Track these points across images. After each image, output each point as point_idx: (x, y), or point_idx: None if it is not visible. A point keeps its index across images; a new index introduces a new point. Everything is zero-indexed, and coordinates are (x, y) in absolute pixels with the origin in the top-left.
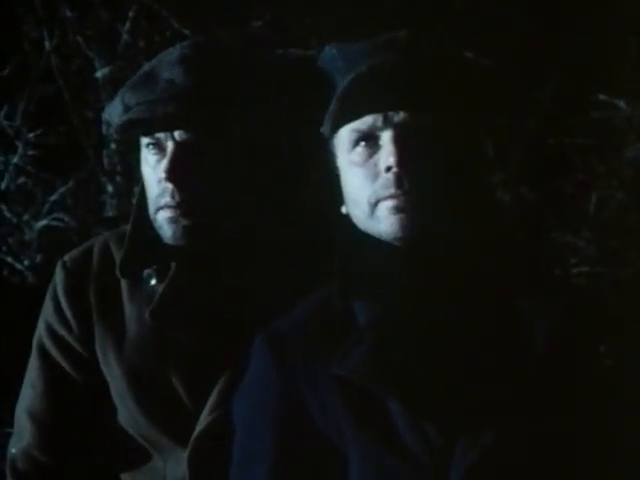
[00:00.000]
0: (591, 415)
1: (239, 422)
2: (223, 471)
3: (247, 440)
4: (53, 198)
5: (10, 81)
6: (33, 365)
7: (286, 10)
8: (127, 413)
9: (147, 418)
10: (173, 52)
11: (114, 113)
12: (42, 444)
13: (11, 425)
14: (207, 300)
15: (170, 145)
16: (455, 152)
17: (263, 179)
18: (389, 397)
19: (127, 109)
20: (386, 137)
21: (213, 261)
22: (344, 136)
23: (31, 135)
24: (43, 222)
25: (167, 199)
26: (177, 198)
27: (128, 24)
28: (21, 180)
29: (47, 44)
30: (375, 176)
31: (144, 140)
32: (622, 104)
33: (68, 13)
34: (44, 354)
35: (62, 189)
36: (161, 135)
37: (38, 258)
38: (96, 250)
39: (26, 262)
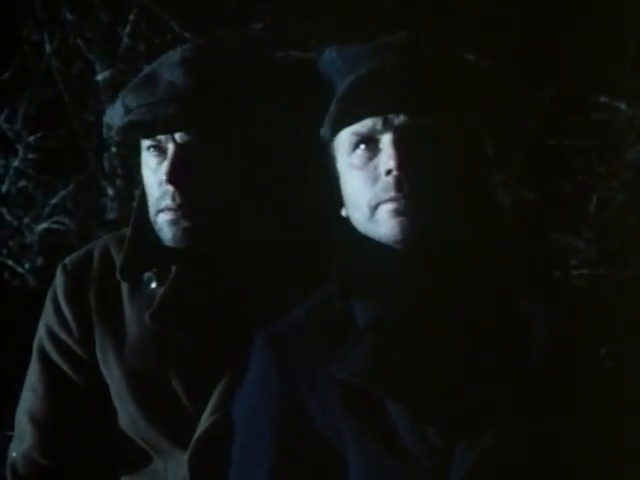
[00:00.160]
0: (591, 416)
1: (239, 423)
2: (224, 473)
3: (247, 440)
4: (54, 201)
5: (10, 84)
6: (33, 368)
7: (286, 12)
8: (127, 416)
9: (147, 420)
10: (174, 55)
11: (115, 115)
12: (43, 447)
13: (12, 428)
14: (207, 302)
15: (171, 147)
16: (455, 154)
17: (263, 179)
18: (389, 398)
19: (128, 111)
20: (386, 140)
21: (213, 263)
22: (344, 139)
23: (32, 138)
24: (44, 225)
25: (168, 201)
26: (178, 200)
27: (129, 27)
28: (22, 183)
29: (47, 47)
30: (375, 179)
31: (145, 143)
32: (623, 106)
33: (68, 16)
34: (44, 357)
35: (63, 192)
36: (162, 138)
37: (39, 261)
38: (96, 253)
39: (27, 265)
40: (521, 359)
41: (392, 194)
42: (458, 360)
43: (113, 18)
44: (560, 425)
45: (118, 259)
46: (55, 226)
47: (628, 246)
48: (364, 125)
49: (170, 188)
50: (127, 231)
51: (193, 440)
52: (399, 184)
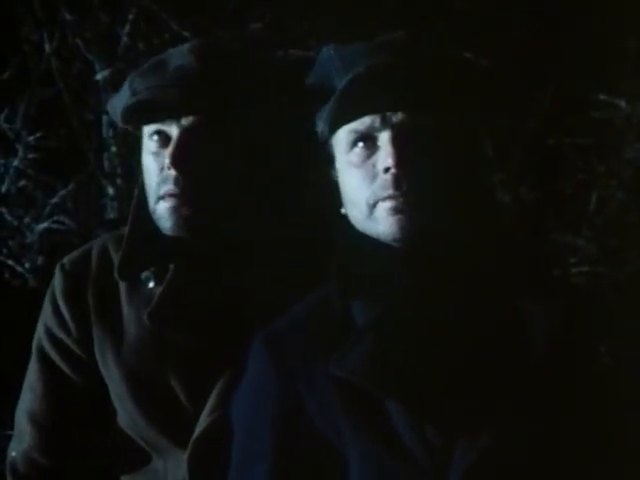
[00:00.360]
0: (591, 415)
1: (238, 423)
2: (223, 472)
3: (246, 441)
4: (54, 201)
5: (10, 84)
6: (32, 368)
7: (285, 11)
8: (126, 415)
9: (146, 420)
10: (183, 46)
11: (120, 101)
12: (42, 447)
13: (12, 428)
14: (206, 301)
15: (175, 132)
16: (454, 152)
17: (263, 179)
18: (388, 398)
19: (135, 93)
20: (384, 138)
21: (212, 262)
22: (342, 137)
23: (31, 138)
24: (44, 225)
25: (170, 186)
26: (181, 184)
27: (128, 26)
28: (22, 183)
29: (47, 47)
30: (373, 177)
31: (148, 129)
32: (622, 104)
33: (68, 16)
34: (43, 357)
35: (63, 192)
36: (166, 125)
37: (39, 261)
38: (94, 253)
39: (27, 265)
40: (521, 359)
41: (390, 192)
42: (458, 360)
43: (112, 18)
44: (560, 425)
45: (116, 258)
46: (55, 226)
47: (628, 244)
48: (362, 123)
49: (173, 173)
50: (125, 230)
51: (192, 440)
52: (397, 182)
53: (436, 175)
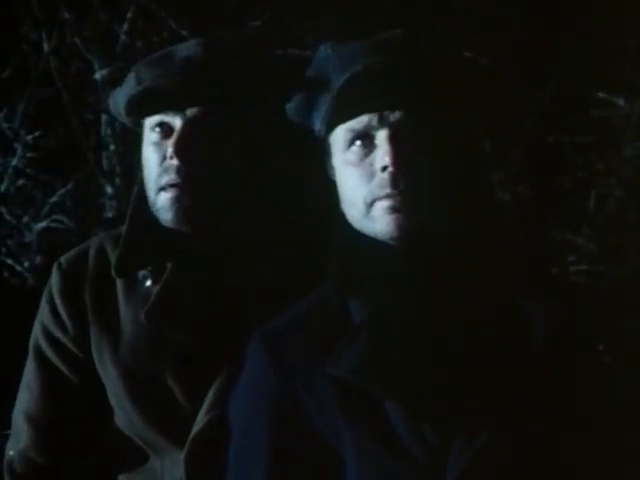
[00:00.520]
0: (589, 414)
1: (235, 422)
2: (220, 472)
3: (243, 440)
4: (52, 200)
5: (9, 83)
6: (30, 367)
7: (285, 10)
8: (124, 414)
9: (143, 419)
10: (191, 40)
11: (122, 94)
12: (39, 446)
13: (9, 427)
14: (203, 301)
15: (179, 123)
16: (452, 151)
17: (263, 178)
18: (385, 397)
19: (141, 82)
20: (381, 136)
21: (210, 261)
22: (339, 136)
23: (30, 137)
24: (42, 224)
25: (172, 176)
26: (183, 174)
27: (126, 25)
28: (20, 182)
29: (46, 46)
30: (371, 176)
31: (150, 122)
32: (621, 102)
33: (66, 15)
34: (40, 356)
35: (61, 191)
36: (169, 117)
37: (38, 260)
38: (92, 251)
39: (26, 264)
40: (519, 358)
41: (388, 190)
42: (456, 359)
43: (111, 16)
44: (558, 424)
45: (113, 257)
46: (54, 225)
47: (627, 242)
48: (359, 122)
49: (175, 162)
50: (123, 228)
51: (189, 439)
52: (395, 180)
53: (434, 174)
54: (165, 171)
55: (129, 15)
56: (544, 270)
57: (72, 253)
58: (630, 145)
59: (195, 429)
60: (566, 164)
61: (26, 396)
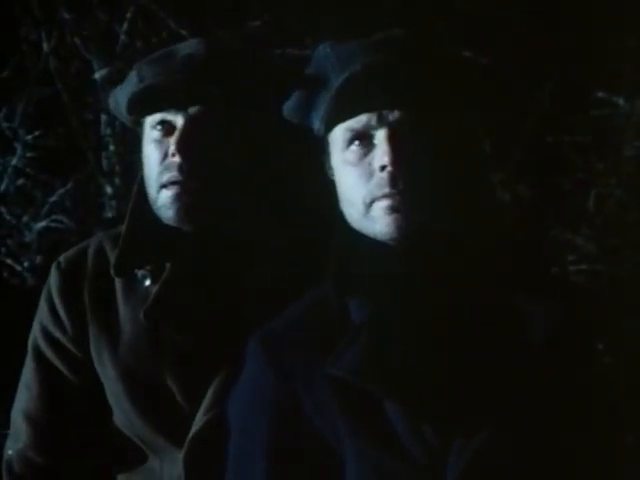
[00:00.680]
0: (589, 415)
1: (234, 422)
2: (219, 472)
3: (243, 440)
4: (52, 200)
5: (8, 83)
6: (28, 367)
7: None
8: (122, 414)
9: (142, 419)
10: (193, 39)
11: (123, 92)
12: (38, 445)
13: (8, 427)
14: (202, 301)
15: (181, 121)
16: (451, 151)
17: (263, 179)
18: (384, 397)
19: (143, 80)
20: (380, 136)
21: (209, 261)
22: (338, 135)
23: (30, 137)
24: (42, 224)
25: (173, 173)
26: (184, 171)
27: (126, 25)
28: (20, 182)
29: (45, 46)
30: (369, 175)
31: (151, 120)
32: (621, 101)
33: (66, 15)
34: (39, 355)
35: (61, 191)
36: (171, 115)
37: (37, 260)
38: (91, 251)
39: (26, 264)
40: (519, 358)
41: (386, 190)
42: (455, 359)
43: (110, 16)
44: (558, 424)
45: (112, 256)
46: (54, 224)
47: (627, 242)
48: (358, 121)
49: (176, 160)
50: (123, 228)
51: (188, 439)
52: (393, 180)
53: (433, 174)
54: (167, 168)
55: (129, 15)
56: (544, 270)
57: (71, 252)
58: (630, 145)
59: (194, 429)
60: (566, 164)
61: (25, 396)
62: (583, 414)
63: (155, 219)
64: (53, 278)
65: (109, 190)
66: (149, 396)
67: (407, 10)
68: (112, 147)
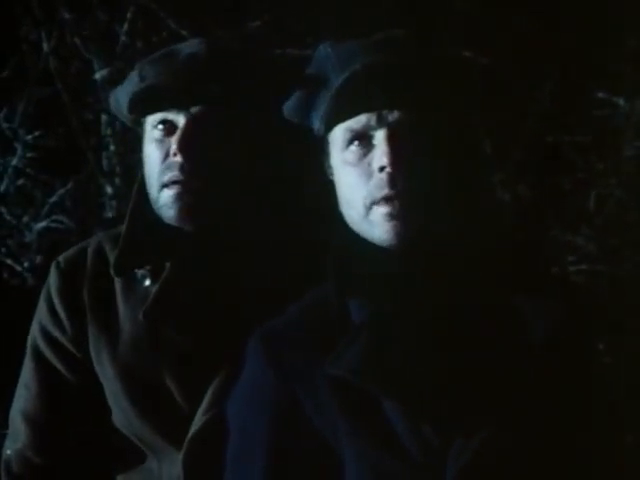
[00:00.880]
0: (589, 415)
1: (234, 421)
2: (218, 472)
3: (242, 440)
4: (52, 200)
5: (8, 83)
6: (27, 366)
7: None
8: (121, 414)
9: (141, 419)
10: (195, 39)
11: (124, 92)
12: (37, 445)
13: (6, 427)
14: (202, 300)
15: (183, 121)
16: (451, 151)
17: (263, 179)
18: (384, 396)
19: (144, 79)
20: (380, 137)
21: (209, 261)
22: (338, 135)
23: (30, 137)
24: (42, 224)
25: (174, 172)
26: (186, 171)
27: (126, 25)
28: (20, 182)
29: (45, 46)
30: (369, 176)
31: (152, 119)
32: (621, 102)
33: (66, 15)
34: (38, 355)
35: (61, 191)
36: (172, 114)
37: (38, 260)
38: (90, 250)
39: (26, 264)
40: (519, 358)
41: (386, 191)
42: (455, 359)
43: (110, 16)
44: (558, 425)
45: (112, 256)
46: (54, 225)
47: (627, 242)
48: (358, 121)
49: (178, 159)
50: (122, 227)
51: (187, 439)
52: (392, 181)
53: (432, 174)
54: (168, 168)
55: (129, 15)
56: (544, 270)
57: (70, 252)
58: (630, 145)
59: (193, 429)
60: (566, 164)
61: (24, 395)
62: (583, 414)
63: (155, 219)
64: (52, 278)
65: (109, 190)
66: (148, 396)
67: (407, 10)
68: (112, 147)
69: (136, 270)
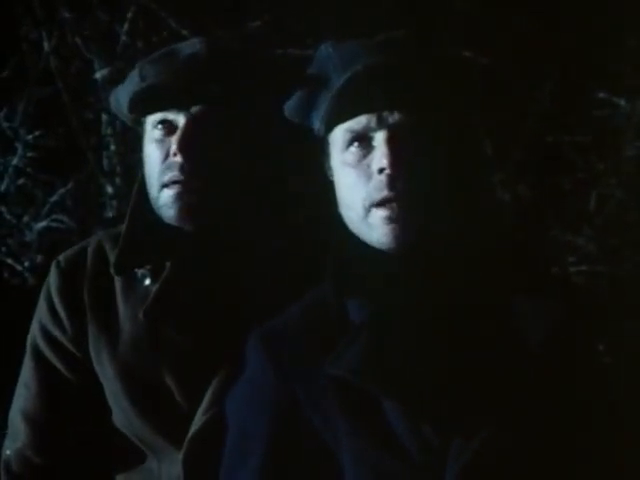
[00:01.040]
0: (589, 415)
1: (232, 419)
2: (217, 472)
3: (240, 438)
4: (53, 199)
5: (9, 83)
6: (27, 366)
7: (285, 10)
8: (121, 413)
9: (141, 418)
10: (195, 39)
11: (124, 91)
12: (36, 445)
13: (6, 426)
14: (202, 300)
15: (183, 120)
16: (451, 153)
17: (263, 179)
18: (384, 396)
19: (145, 79)
20: (380, 138)
21: (209, 261)
22: (338, 136)
23: (30, 137)
24: (43, 223)
25: (174, 172)
26: (186, 171)
27: (126, 25)
28: (21, 181)
29: (46, 45)
30: (368, 177)
31: (152, 119)
32: (622, 102)
33: (67, 14)
34: (38, 355)
35: (62, 190)
36: (172, 114)
37: (38, 259)
38: (90, 250)
39: (26, 263)
40: (519, 358)
41: (385, 193)
42: (455, 359)
43: (111, 16)
44: (558, 425)
45: (112, 255)
46: (54, 224)
47: (627, 242)
48: (358, 122)
49: (178, 159)
50: (122, 227)
51: (187, 439)
52: (392, 183)
53: (432, 176)
54: (168, 168)
55: (129, 15)
56: (544, 270)
57: (70, 252)
58: (631, 145)
59: (193, 429)
60: (566, 164)
61: (23, 394)
62: (583, 414)
63: (155, 218)
64: (52, 277)
65: (110, 190)
66: (148, 395)
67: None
68: (113, 147)
69: (136, 269)
